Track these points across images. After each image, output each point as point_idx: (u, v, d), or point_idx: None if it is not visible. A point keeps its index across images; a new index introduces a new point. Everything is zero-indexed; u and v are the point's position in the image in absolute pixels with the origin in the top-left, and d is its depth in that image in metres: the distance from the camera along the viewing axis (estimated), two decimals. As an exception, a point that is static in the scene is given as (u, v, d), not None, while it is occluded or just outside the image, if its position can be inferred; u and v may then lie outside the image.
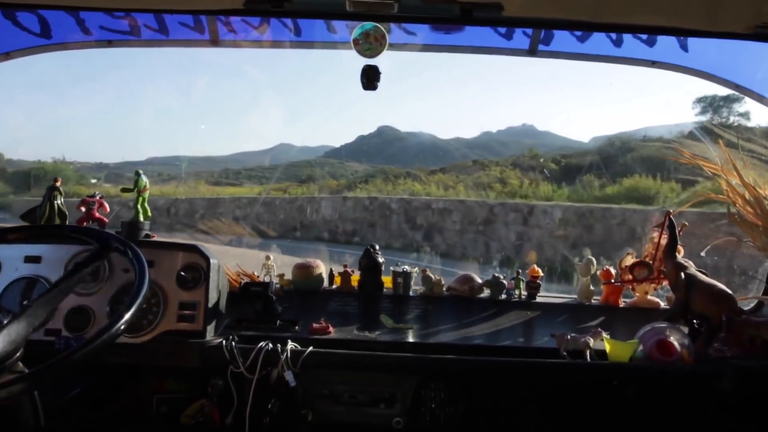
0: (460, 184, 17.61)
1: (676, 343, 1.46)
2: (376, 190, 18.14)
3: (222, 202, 16.04)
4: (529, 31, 1.77)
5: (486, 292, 1.90)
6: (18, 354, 1.06)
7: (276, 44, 1.83)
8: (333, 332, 1.57)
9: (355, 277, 1.93)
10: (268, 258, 1.94)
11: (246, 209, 15.63)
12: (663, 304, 1.85)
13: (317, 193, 18.89)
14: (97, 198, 1.74)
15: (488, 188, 16.38)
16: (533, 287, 1.90)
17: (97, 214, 1.72)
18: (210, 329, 1.51)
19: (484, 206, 12.95)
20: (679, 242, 1.72)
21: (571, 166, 18.01)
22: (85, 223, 1.70)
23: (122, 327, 1.07)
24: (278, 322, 1.62)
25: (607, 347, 1.49)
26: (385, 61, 1.54)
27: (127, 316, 1.09)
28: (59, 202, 1.68)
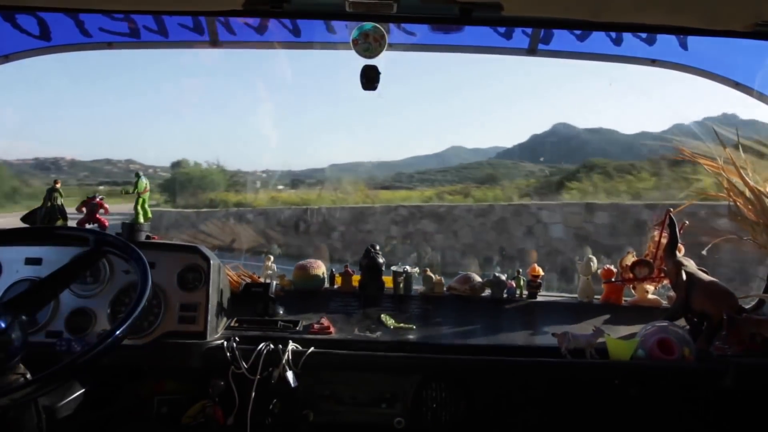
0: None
1: (677, 342, 1.46)
2: (593, 190, 11.21)
3: (371, 213, 9.89)
4: (529, 30, 1.77)
5: (487, 292, 1.90)
6: (19, 356, 1.06)
7: (275, 45, 1.83)
8: (334, 332, 1.57)
9: (356, 277, 1.93)
10: (268, 258, 1.95)
11: (407, 225, 9.30)
12: (664, 303, 1.85)
13: (516, 198, 11.83)
14: (98, 200, 1.73)
15: None
16: (534, 286, 1.90)
17: (98, 216, 1.72)
18: (211, 330, 1.51)
19: None
20: (679, 241, 1.72)
21: None
22: (86, 225, 1.70)
23: (126, 331, 1.07)
24: (279, 322, 1.62)
25: (609, 346, 1.49)
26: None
27: (131, 320, 1.09)
28: (59, 203, 1.68)
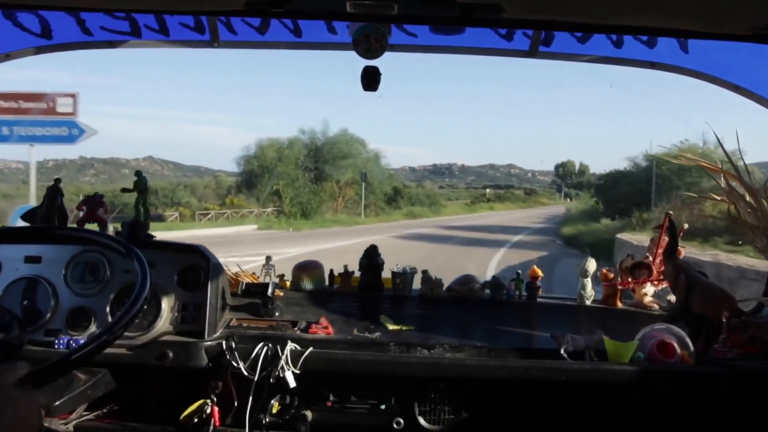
0: None
1: (676, 345, 1.46)
2: None
3: None
4: (530, 32, 1.77)
5: (486, 293, 1.90)
6: (18, 353, 1.06)
7: (277, 45, 1.83)
8: (333, 333, 1.57)
9: (356, 278, 1.93)
10: (269, 259, 1.95)
11: None
12: (663, 305, 1.85)
13: None
14: (98, 199, 1.73)
15: None
16: (533, 288, 1.89)
17: (98, 215, 1.72)
18: (210, 330, 1.51)
19: None
20: (679, 244, 1.72)
21: None
22: (85, 224, 1.70)
23: (121, 330, 1.07)
24: (278, 322, 1.62)
25: (608, 348, 1.48)
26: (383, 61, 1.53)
27: (126, 318, 1.09)
28: (59, 202, 1.68)
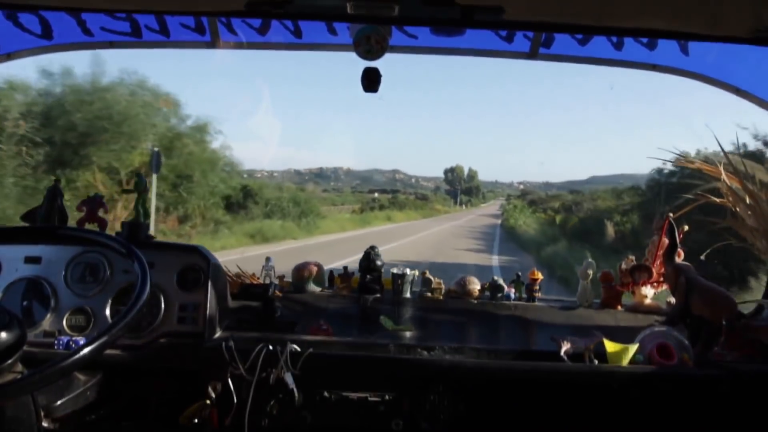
0: None
1: (676, 347, 1.46)
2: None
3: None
4: (530, 33, 1.77)
5: (486, 295, 1.90)
6: (17, 354, 1.06)
7: (277, 46, 1.83)
8: (332, 334, 1.57)
9: (355, 279, 1.93)
10: (267, 260, 1.95)
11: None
12: (663, 308, 1.85)
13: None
14: (98, 199, 1.73)
15: None
16: (533, 290, 1.89)
17: (98, 215, 1.72)
18: (210, 330, 1.51)
19: None
20: (678, 246, 1.72)
21: None
22: (86, 224, 1.70)
23: (121, 332, 1.07)
24: (278, 323, 1.61)
25: (607, 350, 1.48)
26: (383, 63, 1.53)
27: (126, 320, 1.09)
28: (59, 203, 1.68)
